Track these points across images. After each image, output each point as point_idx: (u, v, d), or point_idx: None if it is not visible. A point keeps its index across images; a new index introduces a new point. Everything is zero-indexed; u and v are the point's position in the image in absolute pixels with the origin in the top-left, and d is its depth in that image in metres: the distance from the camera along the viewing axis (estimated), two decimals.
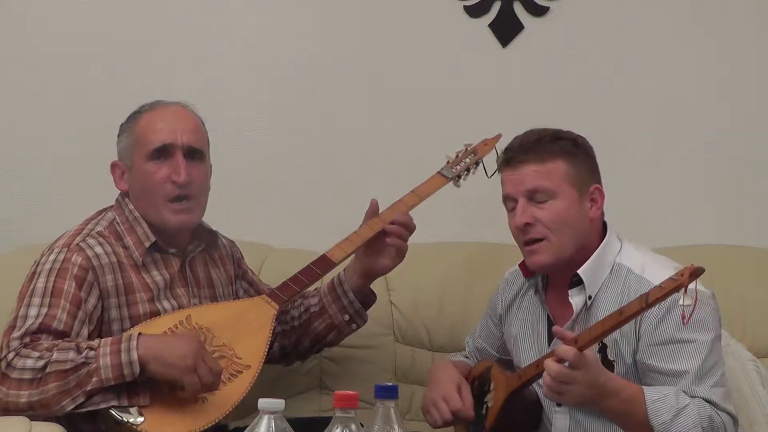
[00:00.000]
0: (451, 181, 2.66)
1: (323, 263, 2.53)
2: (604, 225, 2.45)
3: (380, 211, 2.59)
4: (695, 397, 2.25)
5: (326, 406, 2.78)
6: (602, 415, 2.31)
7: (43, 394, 2.22)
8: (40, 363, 2.22)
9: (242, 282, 2.68)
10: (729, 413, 2.28)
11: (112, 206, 2.53)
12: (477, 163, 2.66)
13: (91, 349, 2.24)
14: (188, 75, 3.10)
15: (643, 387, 2.26)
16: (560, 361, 2.14)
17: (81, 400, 2.22)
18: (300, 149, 3.14)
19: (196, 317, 2.40)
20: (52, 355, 2.23)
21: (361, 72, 3.16)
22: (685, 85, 3.21)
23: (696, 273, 2.00)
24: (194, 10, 3.13)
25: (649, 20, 3.20)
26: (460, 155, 2.69)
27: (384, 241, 2.55)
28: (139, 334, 2.28)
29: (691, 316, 2.03)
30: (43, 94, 3.07)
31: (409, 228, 2.57)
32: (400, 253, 2.57)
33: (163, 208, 2.44)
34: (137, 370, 2.22)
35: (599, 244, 2.39)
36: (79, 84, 3.08)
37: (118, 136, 2.53)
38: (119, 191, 2.52)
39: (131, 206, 2.48)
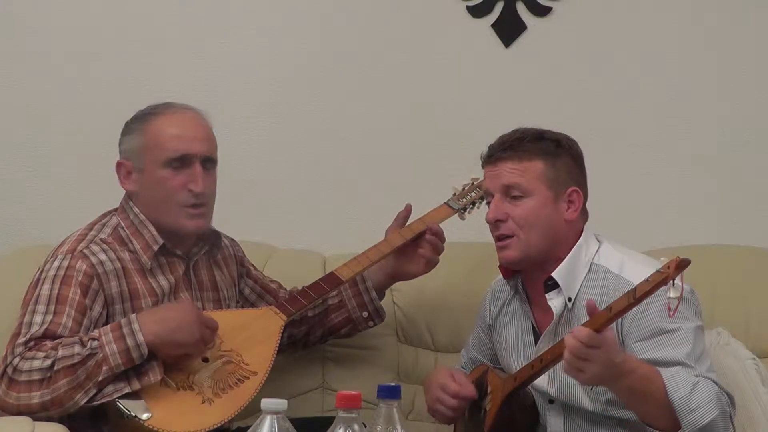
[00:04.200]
0: (457, 213, 2.72)
1: (331, 280, 2.58)
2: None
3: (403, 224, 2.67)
4: (699, 376, 2.26)
5: (329, 406, 2.77)
6: (619, 398, 2.30)
7: (54, 392, 2.22)
8: (47, 362, 2.22)
9: (247, 280, 2.68)
10: (728, 394, 2.29)
11: (115, 210, 2.52)
12: (482, 198, 2.69)
13: (94, 339, 2.25)
14: (189, 75, 3.09)
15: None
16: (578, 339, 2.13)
17: (93, 392, 2.22)
18: (301, 149, 3.14)
19: None
20: (57, 353, 2.23)
21: (363, 72, 3.15)
22: (686, 85, 3.21)
23: (681, 265, 2.00)
24: (195, 10, 3.13)
25: (651, 21, 3.20)
26: (466, 188, 2.75)
27: (416, 247, 2.63)
28: (137, 315, 2.29)
29: (677, 307, 2.02)
30: (43, 95, 3.07)
31: (443, 240, 2.65)
32: (430, 264, 2.65)
33: (179, 213, 2.44)
34: (145, 351, 2.24)
35: None
36: (80, 84, 3.07)
37: (124, 135, 2.51)
38: (124, 194, 2.51)
39: (136, 209, 2.47)
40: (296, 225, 3.09)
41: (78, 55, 3.08)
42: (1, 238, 3.01)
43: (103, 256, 2.39)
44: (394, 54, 3.15)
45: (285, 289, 2.73)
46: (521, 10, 3.17)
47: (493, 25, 3.17)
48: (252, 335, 2.43)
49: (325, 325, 2.70)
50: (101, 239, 2.43)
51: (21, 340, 2.27)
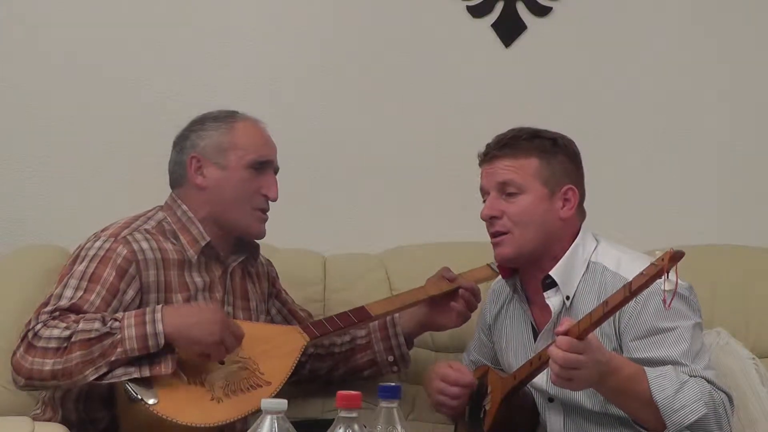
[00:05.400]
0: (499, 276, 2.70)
1: (360, 313, 2.58)
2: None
3: (435, 279, 2.66)
4: (692, 376, 2.26)
5: (329, 407, 2.77)
6: (604, 397, 2.30)
7: (67, 362, 2.24)
8: (66, 333, 2.25)
9: (275, 301, 2.70)
10: (725, 392, 2.28)
11: (161, 206, 2.54)
12: None
13: (116, 320, 2.27)
14: (189, 75, 3.09)
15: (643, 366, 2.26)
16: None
17: (104, 370, 2.24)
18: (301, 150, 3.13)
19: None
20: (78, 326, 2.25)
21: (363, 72, 3.16)
22: (686, 85, 3.22)
23: (676, 257, 1.98)
24: (195, 10, 3.13)
25: (650, 20, 3.21)
26: None
27: (450, 300, 2.63)
28: (162, 306, 2.31)
29: (672, 299, 2.02)
30: (43, 95, 3.06)
31: (478, 299, 2.65)
32: (461, 318, 2.65)
33: (250, 215, 2.50)
34: (162, 341, 2.25)
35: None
36: (80, 84, 3.06)
37: (198, 130, 2.52)
38: (170, 193, 2.53)
39: (184, 207, 2.50)
40: (296, 225, 3.09)
41: (78, 55, 3.07)
42: (1, 238, 3.01)
43: (145, 245, 2.42)
44: (394, 54, 3.16)
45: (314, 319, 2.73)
46: (521, 10, 3.17)
47: (493, 25, 3.17)
48: (272, 348, 2.44)
49: (349, 363, 2.70)
50: (145, 229, 2.46)
51: (47, 309, 2.31)
